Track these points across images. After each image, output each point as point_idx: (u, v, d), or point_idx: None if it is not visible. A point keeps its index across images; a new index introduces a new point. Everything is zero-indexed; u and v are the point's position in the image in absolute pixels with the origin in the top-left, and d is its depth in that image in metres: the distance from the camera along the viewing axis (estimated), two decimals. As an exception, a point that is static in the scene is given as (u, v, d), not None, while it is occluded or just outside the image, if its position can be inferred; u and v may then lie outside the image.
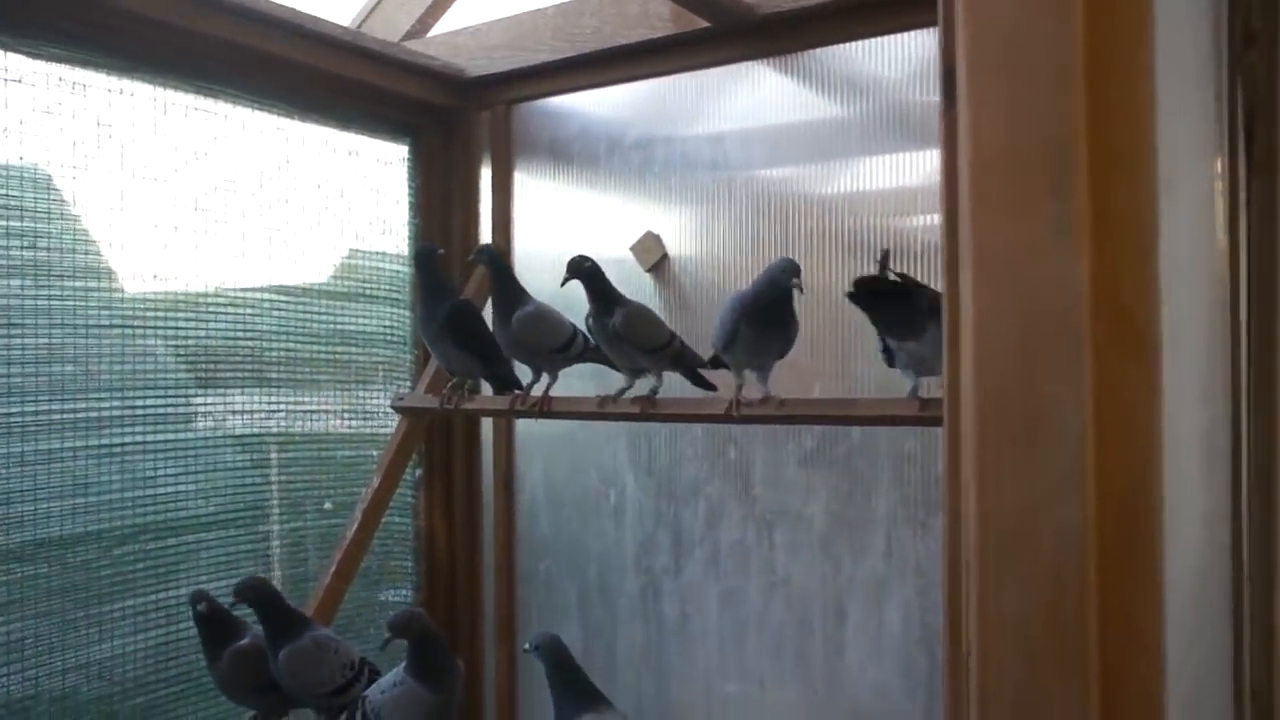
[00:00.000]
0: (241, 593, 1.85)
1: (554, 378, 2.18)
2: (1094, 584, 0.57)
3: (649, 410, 2.03)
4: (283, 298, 2.34)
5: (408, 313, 2.59)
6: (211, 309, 2.20)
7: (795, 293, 1.83)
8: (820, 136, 2.27)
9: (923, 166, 2.13)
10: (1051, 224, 0.57)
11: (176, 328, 2.14)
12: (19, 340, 1.88)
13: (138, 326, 2.07)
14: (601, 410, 2.08)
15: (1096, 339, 0.57)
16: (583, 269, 1.97)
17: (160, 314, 2.12)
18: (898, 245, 2.14)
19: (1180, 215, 0.80)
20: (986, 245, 0.59)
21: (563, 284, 1.99)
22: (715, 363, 2.05)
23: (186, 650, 2.07)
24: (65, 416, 1.95)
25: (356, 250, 2.52)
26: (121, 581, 2.01)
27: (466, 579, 2.63)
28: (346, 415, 2.48)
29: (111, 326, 2.02)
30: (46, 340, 1.92)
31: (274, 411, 2.33)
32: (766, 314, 1.85)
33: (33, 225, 1.89)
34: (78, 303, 1.97)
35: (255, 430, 2.31)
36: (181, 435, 2.15)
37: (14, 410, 1.87)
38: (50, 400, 1.92)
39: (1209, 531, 1.01)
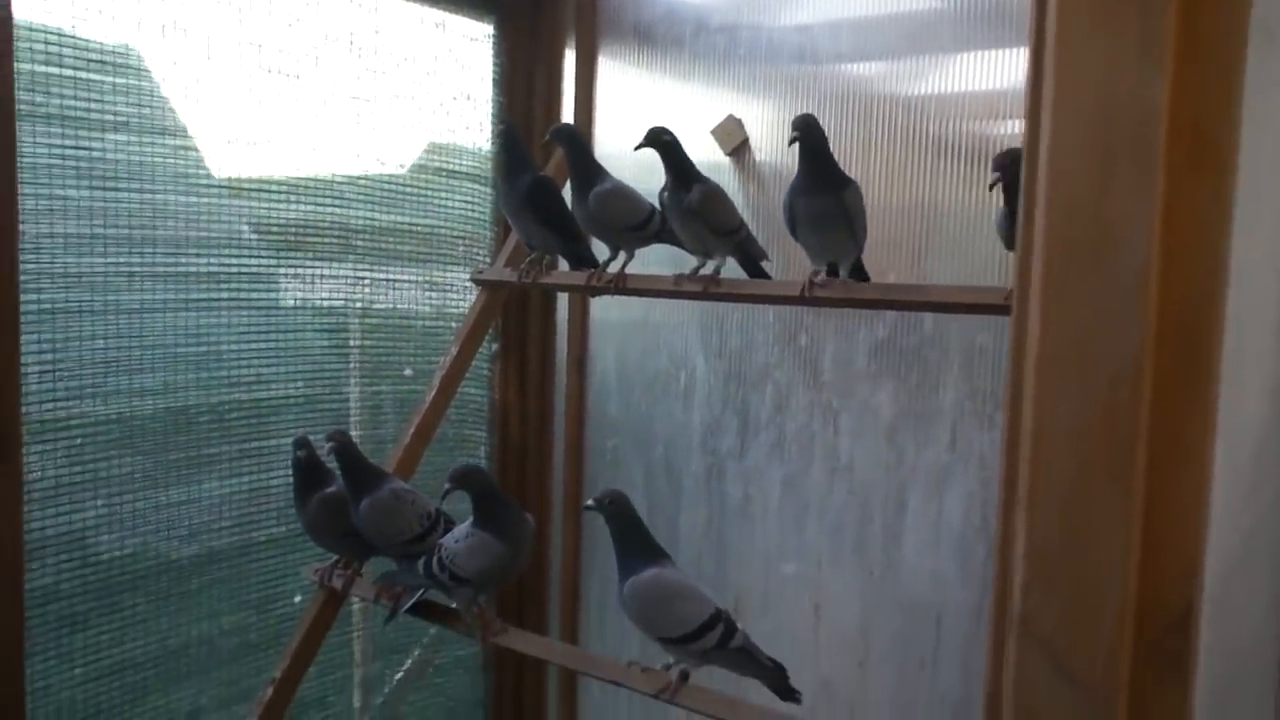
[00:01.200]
0: (333, 439, 1.95)
1: (630, 256, 2.21)
2: (1148, 399, 0.60)
3: (714, 289, 2.05)
4: (368, 170, 2.40)
5: (489, 189, 2.63)
6: (299, 179, 2.27)
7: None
8: (911, 30, 2.22)
9: (1016, 67, 2.07)
10: (1136, 42, 0.57)
11: (267, 191, 2.22)
12: (125, 195, 1.97)
13: (229, 188, 2.15)
14: (677, 288, 2.10)
15: (1171, 159, 0.58)
16: (660, 140, 1.98)
17: (252, 181, 2.19)
18: (985, 150, 2.10)
19: (1273, 69, 0.79)
20: (1069, 62, 0.59)
21: (635, 149, 2.00)
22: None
23: (277, 496, 2.21)
24: (165, 270, 2.05)
25: (441, 125, 2.56)
26: (219, 428, 2.14)
27: (537, 452, 2.72)
28: (427, 287, 2.55)
29: (209, 186, 2.11)
30: (151, 196, 2.01)
31: (359, 279, 2.41)
32: (809, 178, 1.86)
33: (137, 83, 1.96)
34: (177, 161, 2.05)
35: (340, 297, 2.40)
36: (270, 296, 2.25)
37: (120, 260, 1.97)
38: (154, 253, 2.02)
39: (1274, 406, 1.02)
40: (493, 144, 2.60)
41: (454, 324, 2.54)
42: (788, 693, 1.68)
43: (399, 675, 2.63)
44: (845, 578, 2.34)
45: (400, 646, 2.61)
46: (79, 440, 1.93)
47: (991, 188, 1.72)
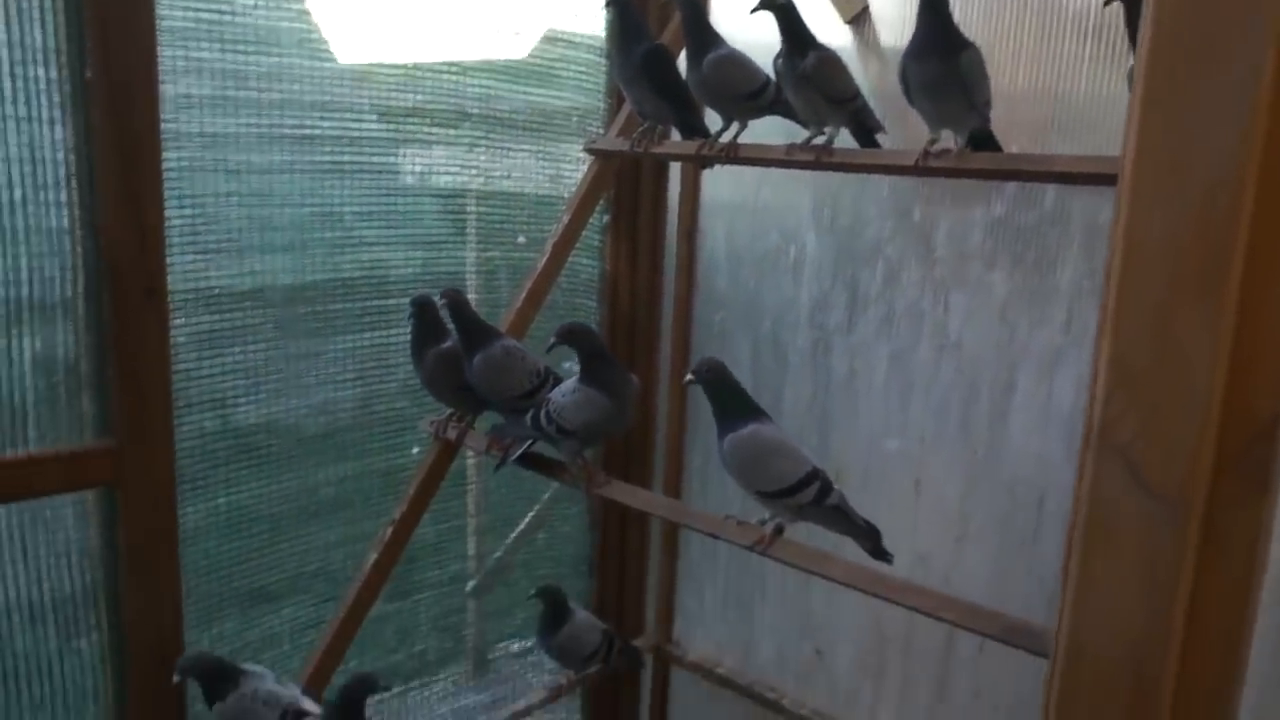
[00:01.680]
0: (445, 295, 2.03)
1: (743, 125, 2.18)
2: (1248, 209, 0.58)
3: (827, 159, 2.02)
4: (485, 41, 2.42)
5: (603, 60, 2.62)
6: (418, 51, 2.30)
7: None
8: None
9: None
10: None
11: (385, 66, 2.26)
12: (254, 59, 2.04)
13: (351, 65, 2.20)
14: (789, 157, 2.08)
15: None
16: (775, 2, 1.94)
17: (371, 54, 2.24)
18: (1119, 26, 1.97)
19: None
20: None
21: (752, 11, 1.96)
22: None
23: (396, 353, 2.32)
24: (290, 134, 2.13)
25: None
26: (342, 287, 2.25)
27: (645, 323, 2.77)
28: (541, 157, 2.59)
29: (328, 52, 2.16)
30: (277, 60, 2.08)
31: (474, 148, 2.46)
32: (923, 40, 1.79)
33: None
34: (300, 27, 2.11)
35: (455, 165, 2.45)
36: (389, 161, 2.32)
37: (250, 122, 2.06)
38: (281, 116, 2.10)
39: None
40: (607, 13, 2.58)
41: (566, 195, 2.58)
42: (880, 552, 1.71)
43: (513, 534, 2.78)
44: (948, 456, 2.33)
45: (511, 503, 2.75)
46: (217, 291, 2.06)
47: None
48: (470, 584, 2.72)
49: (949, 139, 1.90)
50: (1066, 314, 2.13)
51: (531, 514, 2.79)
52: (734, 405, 1.75)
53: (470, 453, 2.60)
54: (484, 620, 2.82)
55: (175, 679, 1.88)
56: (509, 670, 2.87)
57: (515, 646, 2.91)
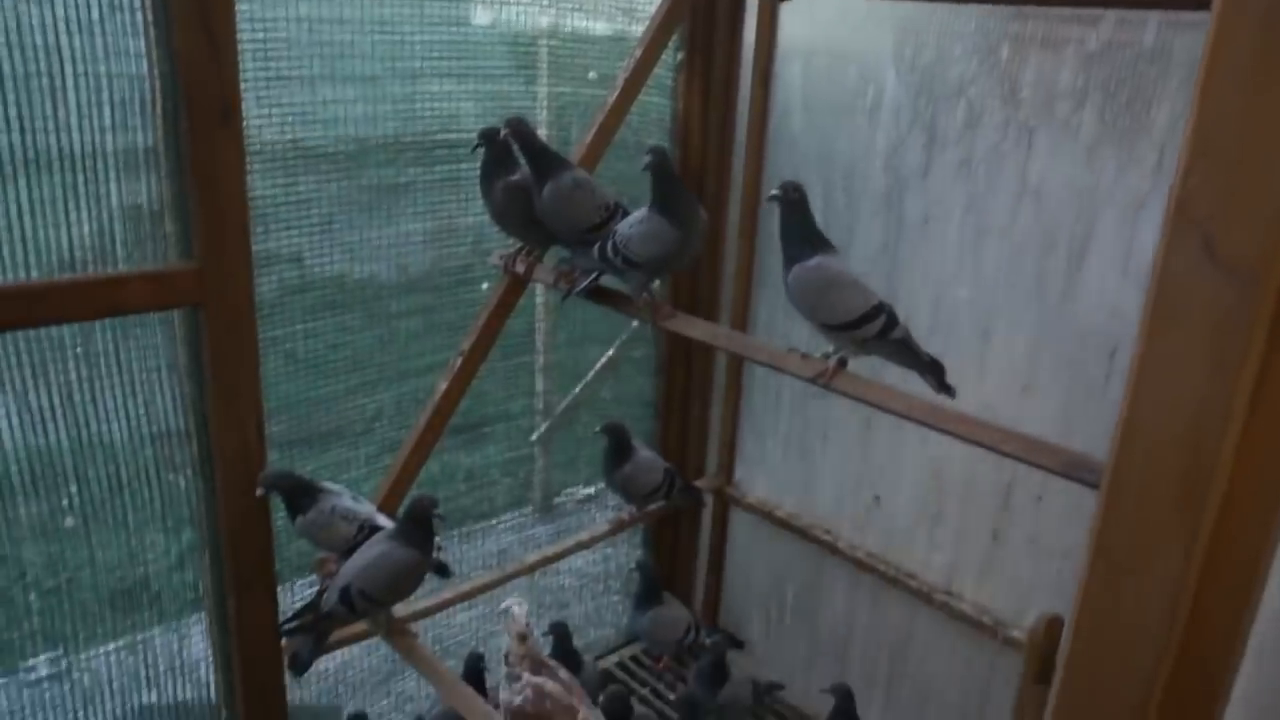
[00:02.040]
0: (508, 124, 2.00)
1: (824, -48, 2.08)
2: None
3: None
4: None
5: (680, -115, 2.51)
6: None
7: None
8: None
9: None
10: None
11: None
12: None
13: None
14: (869, -14, 1.99)
15: None
16: None
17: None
18: None
19: None
20: None
21: None
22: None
23: (466, 184, 2.33)
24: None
25: None
26: (414, 119, 2.24)
27: (717, 165, 2.73)
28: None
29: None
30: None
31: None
32: None
33: None
34: None
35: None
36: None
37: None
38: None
39: None
40: None
41: (639, 31, 2.51)
42: (944, 386, 1.71)
43: (581, 382, 2.83)
44: (1019, 304, 2.29)
45: (578, 343, 2.79)
46: (289, 118, 2.08)
47: None
48: (537, 432, 2.79)
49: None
50: (1158, 155, 2.04)
51: (602, 360, 2.84)
52: (805, 235, 1.73)
53: (540, 296, 2.64)
54: (550, 468, 2.91)
55: (259, 492, 1.99)
56: (573, 510, 2.98)
57: (579, 493, 3.01)
